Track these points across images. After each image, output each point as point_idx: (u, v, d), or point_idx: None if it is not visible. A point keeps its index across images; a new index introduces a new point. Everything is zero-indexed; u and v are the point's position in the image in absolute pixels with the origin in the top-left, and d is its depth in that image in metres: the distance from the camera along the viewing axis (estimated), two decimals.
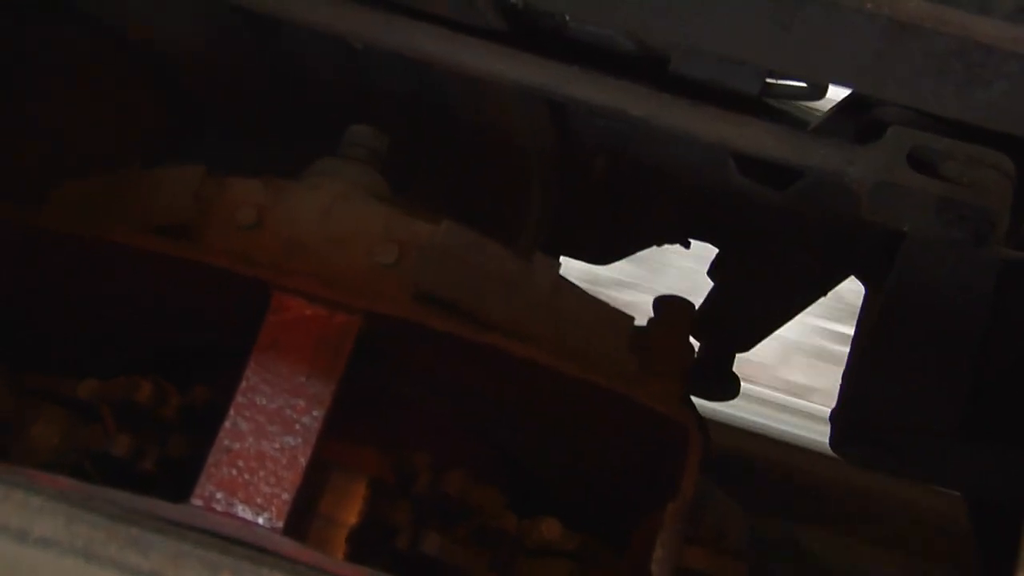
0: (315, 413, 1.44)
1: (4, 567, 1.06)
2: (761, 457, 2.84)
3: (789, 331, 2.17)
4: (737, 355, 2.12)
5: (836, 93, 1.73)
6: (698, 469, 1.48)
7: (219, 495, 1.39)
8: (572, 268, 1.88)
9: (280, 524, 1.39)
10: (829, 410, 1.81)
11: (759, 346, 2.10)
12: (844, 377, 1.82)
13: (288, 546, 1.36)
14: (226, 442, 1.42)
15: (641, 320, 1.66)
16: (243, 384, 1.44)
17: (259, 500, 1.40)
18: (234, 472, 1.41)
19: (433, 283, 1.52)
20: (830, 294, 2.01)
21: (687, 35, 1.48)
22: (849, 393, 1.78)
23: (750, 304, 1.99)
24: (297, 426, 1.43)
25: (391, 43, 1.65)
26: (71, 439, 1.51)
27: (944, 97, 1.44)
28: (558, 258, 1.89)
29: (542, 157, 1.92)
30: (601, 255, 2.12)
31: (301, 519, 1.44)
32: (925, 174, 1.50)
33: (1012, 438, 1.75)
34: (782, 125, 1.62)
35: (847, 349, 1.89)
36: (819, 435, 2.37)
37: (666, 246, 2.08)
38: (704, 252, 2.06)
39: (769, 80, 1.74)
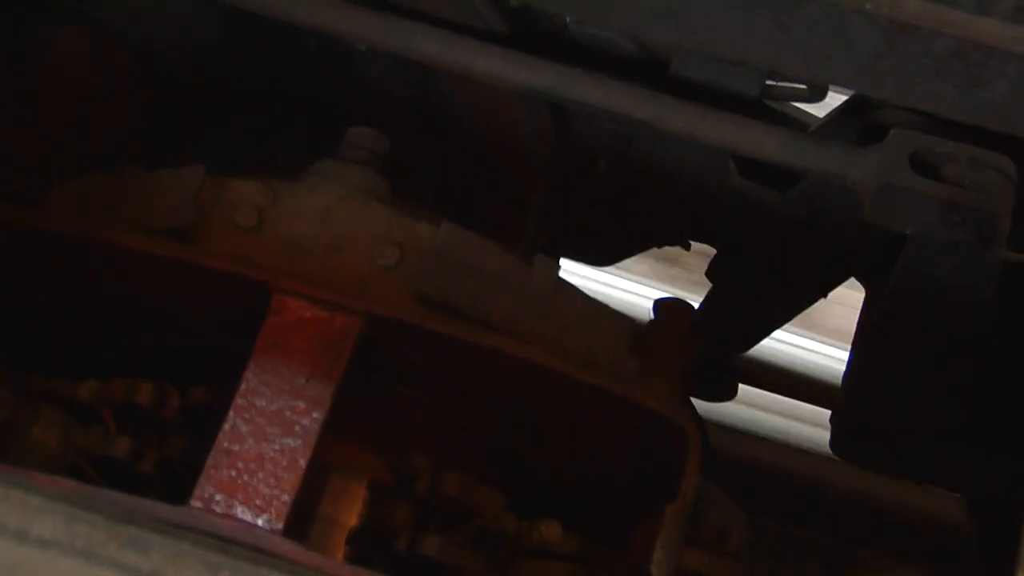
0: (315, 415, 1.43)
1: (4, 567, 1.06)
2: None
3: None
4: None
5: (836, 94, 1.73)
6: (698, 470, 1.48)
7: (218, 497, 1.39)
8: None
9: (280, 526, 1.39)
10: None
11: None
12: (845, 378, 1.82)
13: (288, 548, 1.36)
14: (226, 444, 1.42)
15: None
16: (243, 386, 1.44)
17: (259, 502, 1.39)
18: (233, 474, 1.40)
19: (433, 285, 1.52)
20: None
21: (687, 36, 1.48)
22: (850, 394, 1.78)
23: (749, 305, 1.99)
24: (297, 428, 1.43)
25: (393, 45, 1.65)
26: (71, 441, 1.51)
27: (944, 97, 1.44)
28: (559, 260, 1.89)
29: (543, 159, 1.92)
30: (602, 257, 2.12)
31: (301, 521, 1.44)
32: (927, 177, 1.50)
33: (1012, 439, 1.74)
34: (783, 127, 1.62)
35: None
36: None
37: None
38: None
39: (769, 82, 1.74)
